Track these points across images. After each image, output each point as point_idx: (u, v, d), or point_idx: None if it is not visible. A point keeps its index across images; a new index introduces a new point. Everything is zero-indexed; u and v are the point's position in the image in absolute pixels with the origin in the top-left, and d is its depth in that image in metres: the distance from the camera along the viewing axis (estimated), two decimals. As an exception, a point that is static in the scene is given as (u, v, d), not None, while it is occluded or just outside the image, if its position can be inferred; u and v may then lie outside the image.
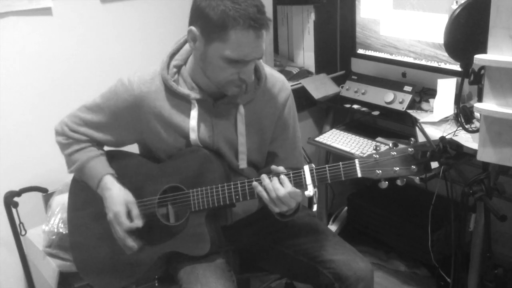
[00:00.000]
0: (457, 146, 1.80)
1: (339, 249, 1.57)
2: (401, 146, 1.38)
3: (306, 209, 1.79)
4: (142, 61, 2.32)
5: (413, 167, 1.34)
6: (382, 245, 2.61)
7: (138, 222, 1.52)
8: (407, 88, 2.27)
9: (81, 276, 1.68)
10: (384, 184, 1.38)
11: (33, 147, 2.17)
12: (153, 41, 2.40)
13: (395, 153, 1.36)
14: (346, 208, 2.80)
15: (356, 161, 1.38)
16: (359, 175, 1.38)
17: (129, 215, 1.52)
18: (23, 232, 2.08)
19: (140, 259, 1.58)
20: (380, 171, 1.36)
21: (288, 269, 1.66)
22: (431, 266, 2.36)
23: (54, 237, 2.02)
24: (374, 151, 1.38)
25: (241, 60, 1.37)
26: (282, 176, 1.40)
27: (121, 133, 1.59)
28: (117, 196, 1.53)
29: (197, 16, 1.37)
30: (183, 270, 1.53)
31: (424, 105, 2.24)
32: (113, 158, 1.61)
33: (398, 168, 1.35)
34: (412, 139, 1.39)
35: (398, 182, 1.37)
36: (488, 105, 1.45)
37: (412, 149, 1.35)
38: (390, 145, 1.38)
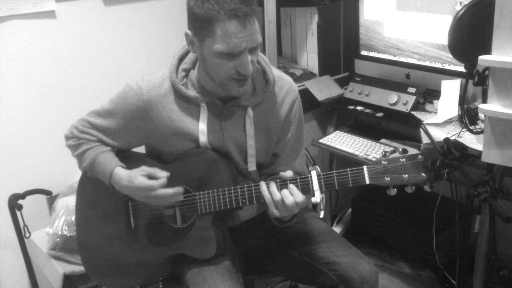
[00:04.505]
0: (462, 148, 1.79)
1: (344, 251, 1.56)
2: (410, 153, 1.36)
3: (311, 211, 1.79)
4: (145, 63, 2.33)
5: (423, 174, 1.33)
6: (386, 246, 2.60)
7: (162, 174, 1.47)
8: (411, 90, 2.26)
9: (89, 276, 1.69)
10: (393, 191, 1.36)
11: (37, 150, 2.18)
12: (156, 43, 2.41)
13: (404, 160, 1.34)
14: (350, 210, 2.79)
15: (365, 167, 1.37)
16: (367, 181, 1.36)
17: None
18: (27, 235, 2.09)
19: (146, 260, 1.58)
20: (389, 178, 1.35)
21: (292, 271, 1.66)
22: (436, 268, 2.35)
23: (58, 239, 2.02)
24: (383, 158, 1.36)
25: (232, 52, 1.35)
26: (292, 186, 1.40)
27: (129, 138, 1.59)
28: (130, 176, 1.49)
29: (189, 17, 1.39)
30: (190, 272, 1.53)
31: (428, 107, 2.23)
32: (121, 159, 1.60)
33: (407, 176, 1.33)
34: (422, 145, 1.37)
35: (407, 189, 1.36)
36: (493, 106, 1.45)
37: (422, 156, 1.33)
38: (400, 151, 1.36)
